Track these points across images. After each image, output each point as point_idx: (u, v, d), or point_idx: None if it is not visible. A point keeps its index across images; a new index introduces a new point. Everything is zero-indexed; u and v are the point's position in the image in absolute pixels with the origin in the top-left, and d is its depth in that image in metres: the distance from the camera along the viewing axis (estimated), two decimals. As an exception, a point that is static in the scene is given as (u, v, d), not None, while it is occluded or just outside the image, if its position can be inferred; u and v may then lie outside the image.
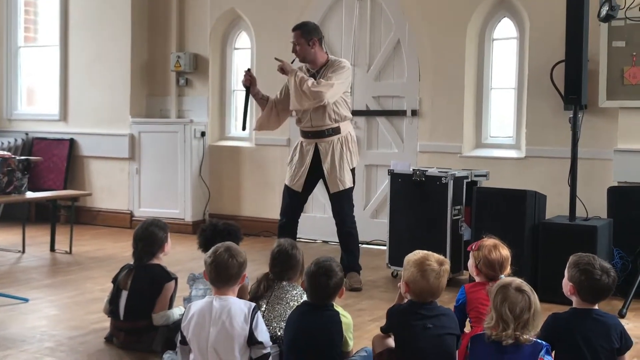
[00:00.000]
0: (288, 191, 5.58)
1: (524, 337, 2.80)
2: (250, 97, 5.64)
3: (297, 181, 5.50)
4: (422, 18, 6.91)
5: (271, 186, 7.60)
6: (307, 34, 5.41)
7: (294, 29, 5.47)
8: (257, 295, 3.64)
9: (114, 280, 4.13)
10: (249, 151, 7.79)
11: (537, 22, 6.38)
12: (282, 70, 5.45)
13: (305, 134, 5.50)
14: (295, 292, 3.62)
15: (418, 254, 3.26)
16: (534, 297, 2.85)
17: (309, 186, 5.56)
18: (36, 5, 8.96)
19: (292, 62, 5.56)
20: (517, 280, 2.91)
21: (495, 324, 2.82)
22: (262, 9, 7.63)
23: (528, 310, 2.80)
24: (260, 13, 7.65)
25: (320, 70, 5.43)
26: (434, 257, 3.23)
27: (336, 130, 5.40)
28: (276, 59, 5.53)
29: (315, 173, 5.48)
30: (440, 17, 6.82)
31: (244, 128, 5.73)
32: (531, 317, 2.81)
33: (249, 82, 5.54)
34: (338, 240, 5.63)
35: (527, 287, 2.88)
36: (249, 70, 5.61)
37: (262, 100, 5.63)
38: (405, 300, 3.34)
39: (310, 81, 5.29)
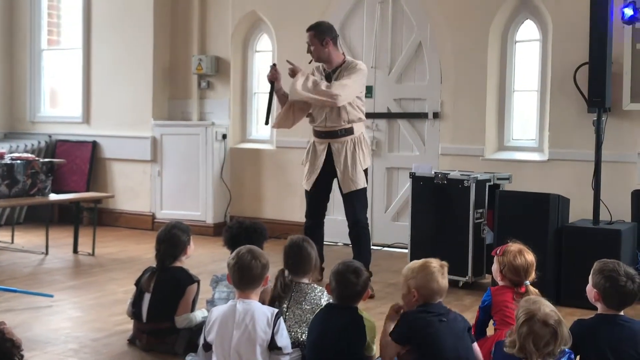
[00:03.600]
0: (307, 192, 5.60)
1: None
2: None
3: (309, 180, 5.51)
4: (444, 20, 6.89)
5: (292, 188, 7.61)
6: (320, 34, 5.40)
7: (308, 30, 5.47)
8: (275, 294, 3.64)
9: (137, 283, 4.15)
10: (270, 153, 7.81)
11: (560, 24, 6.33)
12: (293, 73, 5.42)
13: (319, 134, 5.50)
14: (313, 294, 3.62)
15: (416, 263, 3.33)
16: (560, 328, 2.75)
17: (325, 186, 5.54)
18: (59, 9, 9.03)
19: (309, 62, 5.56)
20: (545, 310, 2.78)
21: (518, 351, 2.76)
22: (283, 11, 7.64)
23: (553, 343, 2.74)
24: (281, 15, 7.66)
25: (336, 70, 5.43)
26: (432, 260, 3.32)
27: (349, 131, 5.39)
28: (288, 61, 5.50)
29: (329, 173, 5.47)
30: (463, 19, 6.79)
31: (267, 123, 5.68)
32: (556, 347, 2.75)
33: (275, 77, 5.53)
34: (350, 242, 5.56)
35: (553, 318, 2.75)
36: (274, 65, 5.58)
37: (284, 97, 5.59)
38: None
39: (324, 84, 5.29)
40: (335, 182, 5.54)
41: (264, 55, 8.02)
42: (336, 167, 5.41)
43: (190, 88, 8.16)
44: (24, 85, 8.88)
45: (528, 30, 6.71)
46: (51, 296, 5.00)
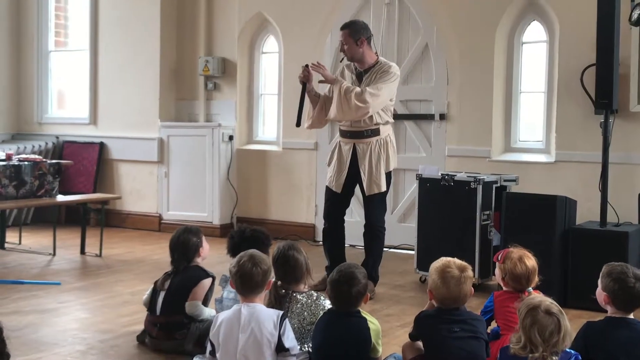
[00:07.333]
0: (329, 193, 5.48)
1: (553, 358, 2.75)
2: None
3: (337, 182, 5.40)
4: (450, 21, 6.89)
5: (298, 189, 7.61)
6: (355, 33, 5.26)
7: (342, 28, 5.33)
8: (269, 305, 3.56)
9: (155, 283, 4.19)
10: (276, 155, 7.81)
11: (567, 26, 6.32)
12: (325, 78, 5.27)
13: (344, 134, 5.42)
14: (310, 301, 3.58)
15: (440, 261, 3.26)
16: (563, 319, 2.78)
17: (349, 188, 5.44)
18: (66, 10, 9.05)
19: (341, 61, 5.50)
20: (546, 302, 2.82)
21: (524, 346, 2.77)
22: (289, 13, 7.65)
23: (557, 333, 2.75)
24: (287, 17, 7.66)
25: (368, 70, 5.31)
26: (455, 263, 3.22)
27: (375, 132, 5.29)
28: (317, 64, 5.32)
29: (354, 175, 5.37)
30: (469, 20, 6.79)
31: (298, 124, 5.46)
32: (560, 339, 2.75)
33: (307, 78, 5.33)
34: (363, 243, 5.52)
35: (555, 308, 2.80)
36: (307, 65, 5.32)
37: (315, 98, 5.46)
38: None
39: (357, 91, 5.14)
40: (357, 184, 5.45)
41: (270, 56, 8.03)
42: (360, 168, 5.31)
43: (196, 89, 8.17)
44: (31, 87, 8.91)
45: (535, 31, 6.70)
46: (58, 283, 5.03)
